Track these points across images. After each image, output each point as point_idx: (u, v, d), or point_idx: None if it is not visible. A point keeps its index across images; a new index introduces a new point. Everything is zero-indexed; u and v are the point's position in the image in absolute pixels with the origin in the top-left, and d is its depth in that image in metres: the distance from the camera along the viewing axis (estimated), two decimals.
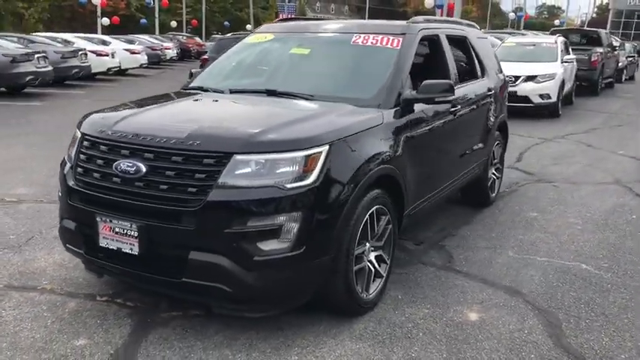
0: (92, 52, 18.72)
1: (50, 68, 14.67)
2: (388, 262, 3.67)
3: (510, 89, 12.13)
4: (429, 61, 4.74)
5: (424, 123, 4.06)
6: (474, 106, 5.04)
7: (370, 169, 3.29)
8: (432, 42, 4.68)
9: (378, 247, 3.56)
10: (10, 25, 41.17)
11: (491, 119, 5.48)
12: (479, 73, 5.43)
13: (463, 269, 4.24)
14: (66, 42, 19.19)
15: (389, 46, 4.12)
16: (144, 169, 2.99)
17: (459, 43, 5.30)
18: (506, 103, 6.42)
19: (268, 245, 2.90)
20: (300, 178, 2.95)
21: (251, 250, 2.87)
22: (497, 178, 6.04)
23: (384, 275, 3.63)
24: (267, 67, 4.41)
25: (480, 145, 5.30)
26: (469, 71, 5.38)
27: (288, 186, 2.91)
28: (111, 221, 3.07)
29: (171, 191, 2.93)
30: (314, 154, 3.00)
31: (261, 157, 2.93)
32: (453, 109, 4.48)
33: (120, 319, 3.34)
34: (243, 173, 2.89)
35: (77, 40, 20.36)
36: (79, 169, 3.27)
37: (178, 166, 2.95)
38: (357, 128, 3.32)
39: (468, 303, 3.70)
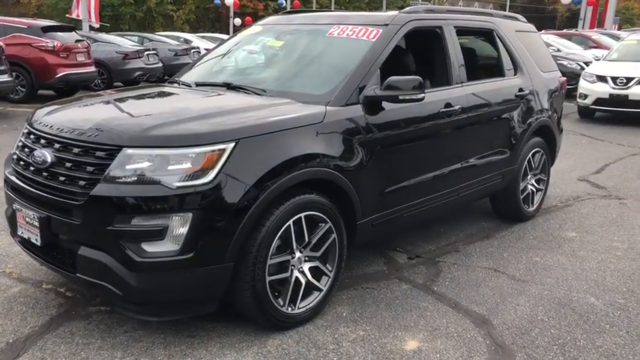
0: (207, 50, 19.64)
1: (160, 65, 15.61)
2: (331, 274, 3.32)
3: (620, 92, 10.88)
4: (424, 56, 4.27)
5: (398, 125, 3.64)
6: (490, 108, 4.46)
7: (293, 170, 2.98)
8: (429, 34, 4.20)
9: (314, 258, 3.24)
10: (161, 26, 44.72)
11: (522, 123, 4.82)
12: (507, 71, 4.80)
13: (440, 290, 3.75)
14: (186, 41, 20.36)
15: (364, 38, 3.75)
16: (49, 160, 2.95)
17: (482, 36, 4.72)
18: (561, 106, 5.66)
19: (153, 247, 2.72)
20: (194, 176, 2.73)
21: (134, 251, 2.71)
22: (539, 190, 5.32)
23: (324, 289, 3.30)
24: (243, 59, 4.22)
25: (503, 152, 4.68)
26: (492, 68, 4.79)
27: (177, 184, 2.71)
28: (21, 210, 3.09)
29: (67, 183, 2.86)
30: (213, 151, 2.77)
31: (151, 152, 2.75)
32: (447, 110, 3.98)
33: (47, 308, 3.35)
34: (132, 168, 2.74)
35: (196, 39, 21.50)
36: (14, 157, 3.33)
37: (76, 158, 2.87)
38: (279, 125, 3.02)
39: (419, 329, 3.24)
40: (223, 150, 2.79)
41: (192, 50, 18.02)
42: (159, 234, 2.70)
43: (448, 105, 4.00)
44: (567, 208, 5.69)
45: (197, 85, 3.90)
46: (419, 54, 4.28)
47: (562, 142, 5.91)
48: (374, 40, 3.71)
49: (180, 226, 2.72)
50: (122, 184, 2.72)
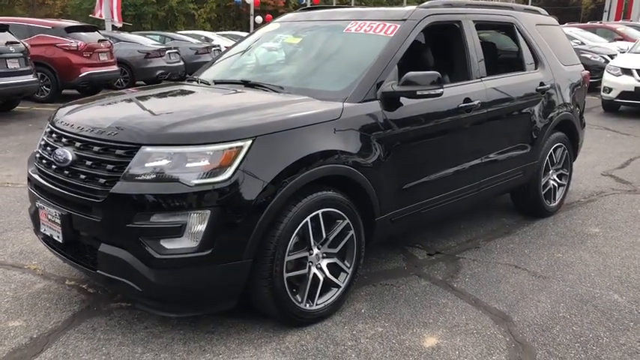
0: (227, 48, 19.74)
1: (181, 63, 15.74)
2: (349, 271, 3.32)
3: None
4: (443, 51, 4.23)
5: (417, 120, 3.62)
6: (510, 102, 4.41)
7: (310, 167, 2.99)
8: (448, 29, 4.16)
9: (332, 254, 3.24)
10: (182, 24, 45.11)
11: (543, 117, 4.75)
12: (527, 65, 4.74)
13: (460, 286, 3.73)
14: (207, 39, 20.49)
15: (381, 33, 3.74)
16: (70, 158, 2.99)
17: (502, 30, 4.66)
18: (583, 100, 5.57)
19: (172, 244, 2.75)
20: (212, 174, 2.75)
21: (153, 248, 2.74)
22: (561, 185, 5.24)
23: (343, 285, 3.30)
24: (261, 56, 4.23)
25: (523, 147, 4.62)
26: (512, 62, 4.73)
27: (195, 182, 2.73)
28: (44, 208, 3.14)
29: (88, 181, 2.90)
30: (230, 148, 2.79)
31: (170, 150, 2.78)
32: (466, 105, 3.95)
33: (70, 304, 3.40)
34: (151, 166, 2.76)
35: (217, 37, 21.61)
36: (37, 156, 3.39)
37: (96, 156, 2.91)
38: (296, 122, 3.03)
39: (437, 326, 3.23)
40: (241, 147, 2.81)
41: (213, 48, 18.12)
42: (177, 231, 2.73)
43: (467, 100, 3.96)
44: (590, 203, 5.60)
45: (215, 83, 3.92)
46: (438, 49, 4.25)
47: (585, 137, 5.82)
48: (391, 35, 3.69)
49: (198, 223, 2.74)
50: (141, 182, 2.75)
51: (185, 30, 31.07)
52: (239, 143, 2.81)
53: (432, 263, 4.12)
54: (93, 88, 12.74)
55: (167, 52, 15.14)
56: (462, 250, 4.36)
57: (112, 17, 21.08)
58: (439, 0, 4.15)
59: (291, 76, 3.78)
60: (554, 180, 5.16)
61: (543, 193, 5.00)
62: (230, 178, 2.76)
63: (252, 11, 37.91)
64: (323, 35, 4.08)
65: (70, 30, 12.27)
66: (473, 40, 4.17)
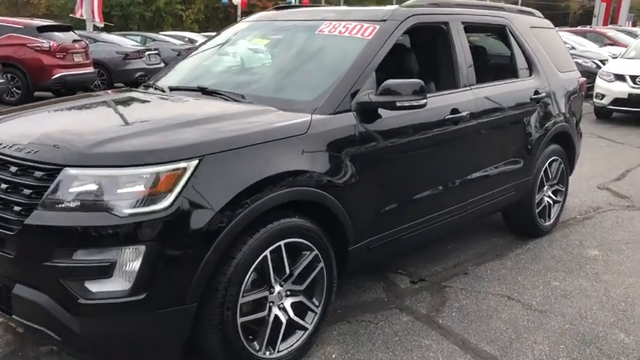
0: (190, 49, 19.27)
1: (162, 65, 15.20)
2: (318, 310, 2.87)
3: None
4: (429, 56, 3.80)
5: (398, 134, 3.18)
6: (502, 113, 3.98)
7: (270, 191, 2.53)
8: (434, 31, 3.73)
9: (297, 292, 2.78)
10: (170, 25, 44.48)
11: (538, 129, 4.33)
12: (521, 71, 4.31)
13: (446, 323, 3.28)
14: (190, 40, 19.98)
15: (358, 36, 3.29)
16: None
17: (493, 33, 4.24)
18: (580, 109, 5.16)
19: (99, 286, 2.28)
20: (148, 201, 2.29)
21: (77, 291, 2.27)
22: (556, 202, 4.82)
23: (310, 327, 2.84)
24: (225, 59, 3.76)
25: (516, 162, 4.20)
26: (504, 68, 4.31)
27: (128, 211, 2.26)
28: None
29: (2, 209, 2.42)
30: (171, 170, 2.33)
31: (98, 173, 2.31)
32: (454, 117, 3.51)
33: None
34: (75, 192, 2.29)
35: (202, 38, 21.09)
36: None
37: (13, 178, 2.43)
38: (254, 138, 2.57)
39: None
40: (184, 169, 2.35)
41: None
42: (106, 271, 2.26)
43: (455, 111, 3.53)
44: (587, 221, 5.19)
45: (171, 89, 3.45)
46: (422, 53, 3.81)
47: (581, 140, 5.40)
48: (369, 37, 3.25)
49: (131, 261, 2.27)
50: (62, 211, 2.28)
51: (172, 31, 30.50)
52: (182, 164, 2.35)
53: (415, 293, 3.68)
54: (68, 91, 12.19)
55: (147, 53, 14.62)
56: (448, 277, 3.92)
57: (93, 17, 20.52)
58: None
59: (255, 83, 3.33)
60: (549, 197, 4.74)
61: (537, 211, 4.58)
62: (170, 206, 2.30)
63: (239, 12, 37.39)
64: (293, 37, 3.63)
65: (42, 30, 11.74)
66: (461, 44, 3.74)
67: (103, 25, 21.71)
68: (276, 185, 2.56)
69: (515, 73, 4.29)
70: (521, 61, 4.33)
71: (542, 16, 4.93)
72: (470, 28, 3.97)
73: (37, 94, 12.04)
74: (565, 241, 4.64)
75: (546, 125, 4.43)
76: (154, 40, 17.93)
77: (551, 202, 4.76)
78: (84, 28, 19.81)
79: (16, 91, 11.47)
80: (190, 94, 3.28)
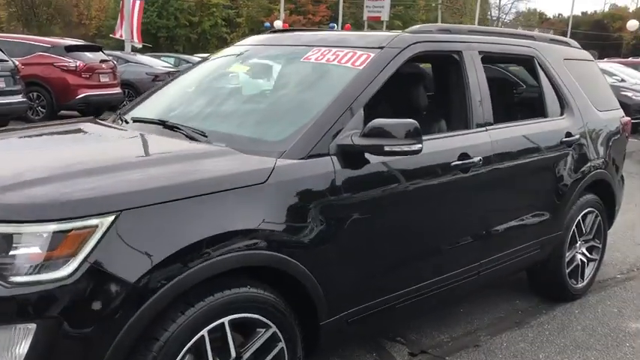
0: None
1: None
2: None
3: None
4: (436, 89, 3.26)
5: (389, 184, 2.64)
6: (525, 158, 3.38)
7: (213, 255, 2.03)
8: (444, 61, 3.19)
9: None
10: (215, 47, 45.10)
11: (569, 176, 3.71)
12: (551, 110, 3.71)
13: None
14: None
15: (347, 65, 2.78)
16: None
17: (518, 64, 3.67)
18: (623, 153, 4.50)
19: None
20: (45, 267, 1.82)
21: None
22: (591, 260, 4.16)
23: None
24: (201, 87, 3.29)
25: (541, 214, 3.58)
26: (530, 106, 3.73)
27: (17, 279, 1.79)
28: None
29: None
30: (78, 228, 1.85)
31: None
32: (463, 163, 2.95)
33: None
34: None
35: None
36: None
37: None
38: (191, 189, 2.07)
39: None
40: (95, 227, 1.87)
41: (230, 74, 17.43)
42: None
43: (464, 156, 2.96)
44: (629, 282, 4.48)
45: (134, 121, 3.00)
46: (430, 87, 3.27)
47: (624, 188, 4.72)
48: (360, 67, 2.73)
49: (17, 343, 1.79)
50: None
51: (205, 53, 30.70)
52: (93, 221, 1.87)
53: None
54: (94, 111, 12.06)
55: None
56: (455, 350, 3.31)
57: (132, 38, 20.68)
58: (433, 25, 3.19)
59: (222, 117, 2.85)
60: (583, 254, 4.08)
61: (568, 271, 3.93)
62: (73, 274, 1.82)
63: None
64: (273, 64, 3.15)
65: (70, 49, 11.67)
66: (477, 77, 3.18)
67: (141, 46, 21.89)
68: (219, 248, 2.05)
69: (543, 111, 3.69)
70: (551, 98, 3.73)
71: (579, 46, 4.33)
72: (489, 58, 3.42)
73: (63, 113, 11.97)
74: (601, 309, 3.96)
75: (580, 172, 3.80)
76: (188, 62, 17.86)
77: (585, 261, 4.10)
78: (120, 48, 20.01)
79: (41, 109, 11.39)
80: (150, 127, 2.82)
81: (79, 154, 2.43)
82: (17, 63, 9.85)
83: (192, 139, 2.58)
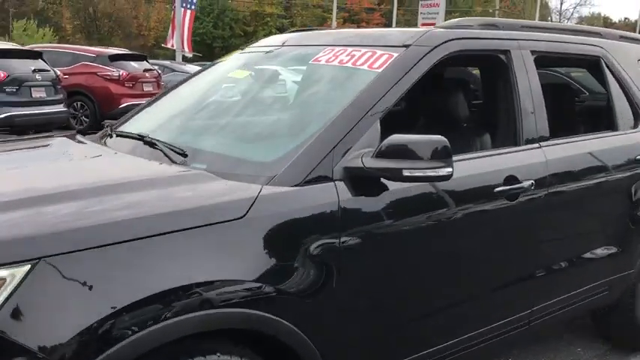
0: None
1: (239, 97, 14.82)
2: None
3: None
4: (477, 97, 2.69)
5: (413, 215, 2.10)
6: (589, 180, 2.77)
7: (170, 314, 1.55)
8: (487, 63, 2.63)
9: None
10: None
11: None
12: (622, 122, 3.06)
13: None
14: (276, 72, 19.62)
15: (364, 67, 2.26)
16: None
17: (581, 66, 3.05)
18: None
19: None
20: None
21: None
22: None
23: None
24: (199, 96, 2.82)
25: (609, 248, 2.94)
26: (596, 117, 3.11)
27: None
28: None
29: None
30: None
31: None
32: (509, 188, 2.37)
33: None
34: None
35: (286, 71, 20.73)
36: None
37: None
38: (146, 228, 1.59)
39: None
40: (3, 280, 1.42)
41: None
42: None
43: (511, 180, 2.39)
44: None
45: (117, 135, 2.57)
46: (469, 94, 2.71)
47: None
48: (379, 70, 2.21)
49: None
50: None
51: None
52: (1, 272, 1.43)
53: None
54: None
55: (224, 85, 14.23)
56: None
57: (183, 47, 20.72)
58: (475, 18, 2.64)
59: (210, 133, 2.38)
60: None
61: None
62: None
63: None
64: (279, 68, 2.67)
65: (114, 58, 11.59)
66: (528, 81, 2.59)
67: (191, 55, 21.94)
68: (178, 306, 1.57)
69: (612, 123, 3.04)
70: (622, 107, 3.08)
71: None
72: (545, 59, 2.83)
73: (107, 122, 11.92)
74: None
75: None
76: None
77: None
78: (171, 58, 20.06)
79: (85, 119, 11.34)
80: (130, 143, 2.38)
81: (15, 179, 2.00)
82: (59, 73, 9.80)
83: (169, 158, 2.12)
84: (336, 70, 2.33)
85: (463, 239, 2.28)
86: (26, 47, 10.91)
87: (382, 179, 2.00)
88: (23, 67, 9.02)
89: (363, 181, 1.98)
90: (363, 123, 2.03)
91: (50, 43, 27.07)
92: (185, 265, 1.61)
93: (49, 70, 9.46)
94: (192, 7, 21.19)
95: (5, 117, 8.56)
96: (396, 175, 1.91)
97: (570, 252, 2.75)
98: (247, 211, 1.73)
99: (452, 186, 2.17)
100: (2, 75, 8.57)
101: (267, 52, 2.83)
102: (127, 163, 2.13)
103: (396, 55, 2.26)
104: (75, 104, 11.13)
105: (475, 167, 2.31)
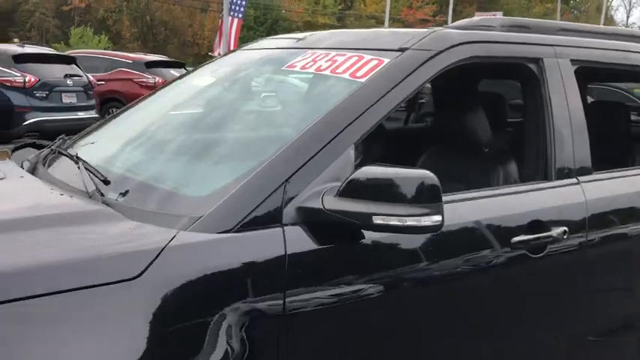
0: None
1: (278, 107, 14.51)
2: None
3: None
4: (496, 118, 2.15)
5: (394, 277, 1.58)
6: None
7: None
8: (514, 73, 2.08)
9: None
10: None
11: None
12: None
13: None
14: None
15: (345, 75, 1.76)
16: None
17: (635, 79, 2.45)
18: None
19: None
20: None
21: None
22: None
23: None
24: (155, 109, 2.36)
25: None
26: None
27: None
28: None
29: None
30: None
31: None
32: (532, 238, 1.81)
33: None
34: None
35: None
36: None
37: None
38: None
39: None
40: None
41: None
42: None
43: (537, 226, 1.83)
44: None
45: (59, 152, 2.14)
46: (488, 112, 2.16)
47: None
48: (362, 79, 1.71)
49: None
50: None
51: None
52: None
53: None
54: None
55: (263, 94, 13.94)
56: None
57: None
58: (498, 17, 2.09)
59: (151, 155, 1.90)
60: None
61: None
62: None
63: None
64: (242, 76, 2.18)
65: (150, 65, 11.46)
66: (565, 98, 2.03)
67: None
68: None
69: None
70: None
71: None
72: (589, 71, 2.25)
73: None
74: None
75: None
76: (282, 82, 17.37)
77: None
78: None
79: None
80: (64, 163, 1.94)
81: None
82: (91, 78, 9.66)
83: (86, 185, 1.66)
84: (309, 79, 1.84)
85: (464, 309, 1.74)
86: (66, 53, 10.90)
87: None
88: (55, 72, 8.91)
89: (325, 228, 1.48)
90: (330, 149, 1.53)
91: (105, 49, 27.64)
92: (48, 350, 1.14)
93: (81, 76, 9.33)
94: (240, 15, 21.08)
95: (34, 122, 8.43)
96: (364, 223, 1.40)
97: (617, 320, 2.15)
98: (144, 270, 1.25)
99: (453, 234, 1.64)
100: (32, 80, 8.46)
101: (244, 55, 2.35)
102: (20, 191, 1.69)
103: (386, 61, 1.76)
104: (111, 110, 11.00)
105: (486, 208, 1.77)
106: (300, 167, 1.48)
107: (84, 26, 38.77)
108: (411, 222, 1.38)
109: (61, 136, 2.39)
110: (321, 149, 1.52)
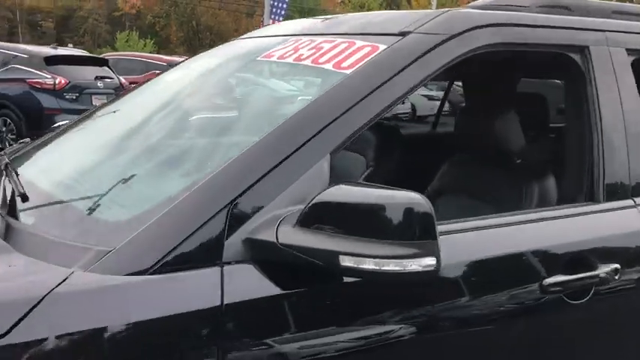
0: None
1: None
2: None
3: None
4: (527, 121, 1.72)
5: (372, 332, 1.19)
6: None
7: None
8: (551, 66, 1.65)
9: None
10: None
11: None
12: None
13: None
14: None
15: (328, 66, 1.38)
16: None
17: None
18: None
19: None
20: None
21: None
22: None
23: None
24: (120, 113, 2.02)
25: None
26: None
27: None
28: None
29: None
30: None
31: None
32: (574, 279, 1.38)
33: None
34: None
35: None
36: None
37: None
38: None
39: None
40: None
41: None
42: None
43: (578, 262, 1.40)
44: None
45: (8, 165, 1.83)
46: (524, 115, 1.74)
47: None
48: (348, 71, 1.32)
49: None
50: None
51: None
52: None
53: None
54: None
55: (299, 98, 13.72)
56: None
57: None
58: None
59: (85, 168, 1.54)
60: None
61: None
62: None
63: None
64: (216, 68, 1.80)
65: None
66: (620, 98, 1.59)
67: None
68: None
69: None
70: None
71: None
72: None
73: None
74: None
75: None
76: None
77: None
78: None
79: None
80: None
81: None
82: (123, 81, 9.54)
83: (4, 203, 1.33)
84: (284, 70, 1.46)
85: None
86: (101, 55, 10.85)
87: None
88: (86, 74, 8.82)
89: (283, 267, 1.09)
90: (294, 161, 1.15)
91: (150, 53, 28.01)
92: None
93: (112, 78, 9.22)
94: (281, 18, 20.92)
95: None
96: (329, 263, 1.02)
97: None
98: (11, 328, 0.90)
99: (464, 274, 1.24)
100: (63, 82, 8.37)
101: (228, 46, 1.98)
102: None
103: (382, 47, 1.36)
104: None
105: (512, 238, 1.35)
106: (252, 185, 1.11)
107: (129, 30, 39.52)
108: (393, 266, 0.98)
109: (23, 140, 2.10)
110: (280, 162, 1.14)
